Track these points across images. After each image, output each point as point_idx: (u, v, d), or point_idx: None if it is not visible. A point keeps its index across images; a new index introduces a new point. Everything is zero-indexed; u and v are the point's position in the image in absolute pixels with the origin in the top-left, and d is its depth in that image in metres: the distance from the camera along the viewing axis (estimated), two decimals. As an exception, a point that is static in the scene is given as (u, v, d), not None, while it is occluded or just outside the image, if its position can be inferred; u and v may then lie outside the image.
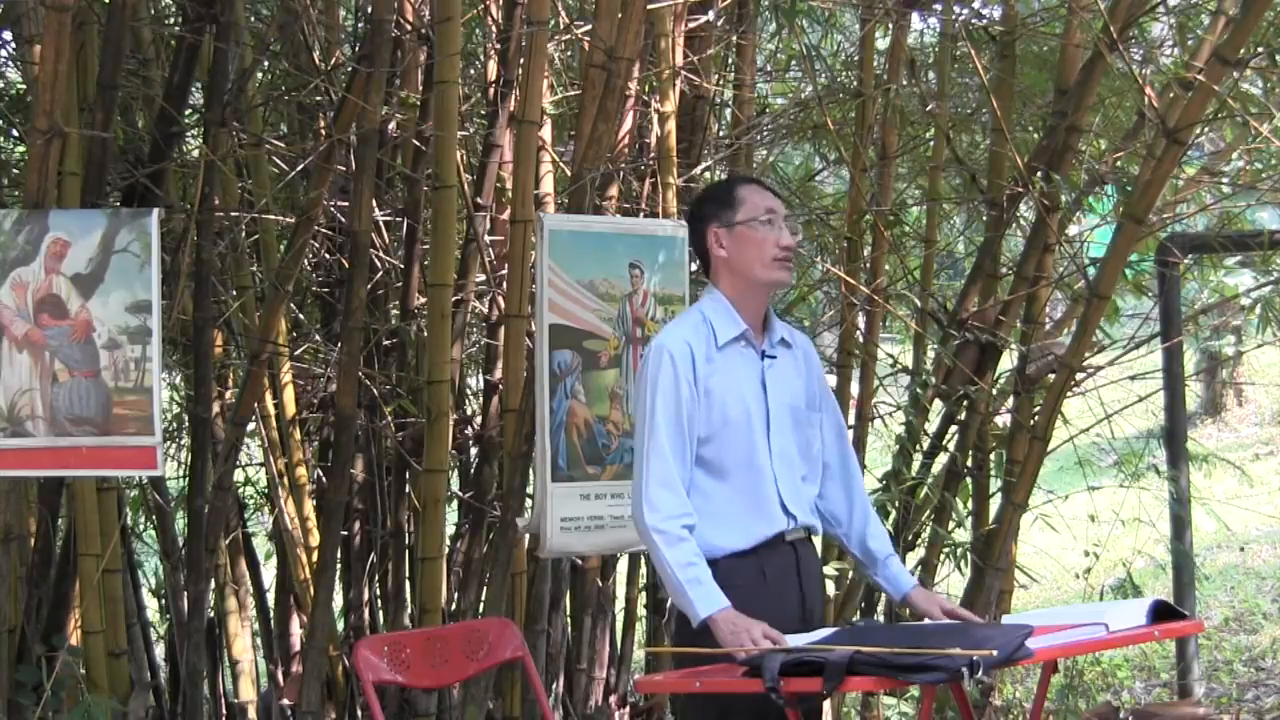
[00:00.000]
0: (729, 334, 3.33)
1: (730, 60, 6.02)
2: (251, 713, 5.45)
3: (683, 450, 3.24)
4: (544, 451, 4.12)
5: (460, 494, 5.30)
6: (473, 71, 5.86)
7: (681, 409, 3.25)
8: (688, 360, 3.27)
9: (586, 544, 4.30)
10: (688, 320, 3.41)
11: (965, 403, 5.35)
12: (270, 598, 5.76)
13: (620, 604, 5.69)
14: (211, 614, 5.28)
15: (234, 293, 5.32)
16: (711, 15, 5.60)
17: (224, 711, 5.52)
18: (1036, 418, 5.21)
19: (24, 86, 5.51)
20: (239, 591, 5.52)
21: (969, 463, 5.40)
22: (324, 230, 5.41)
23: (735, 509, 3.27)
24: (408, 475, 5.27)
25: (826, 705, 4.63)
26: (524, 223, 4.50)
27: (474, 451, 5.39)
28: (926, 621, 3.34)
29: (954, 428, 5.46)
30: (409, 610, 5.16)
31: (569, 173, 4.74)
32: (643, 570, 5.69)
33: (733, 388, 3.30)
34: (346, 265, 4.86)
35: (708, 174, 5.78)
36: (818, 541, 3.53)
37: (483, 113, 5.61)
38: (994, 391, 5.45)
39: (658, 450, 3.23)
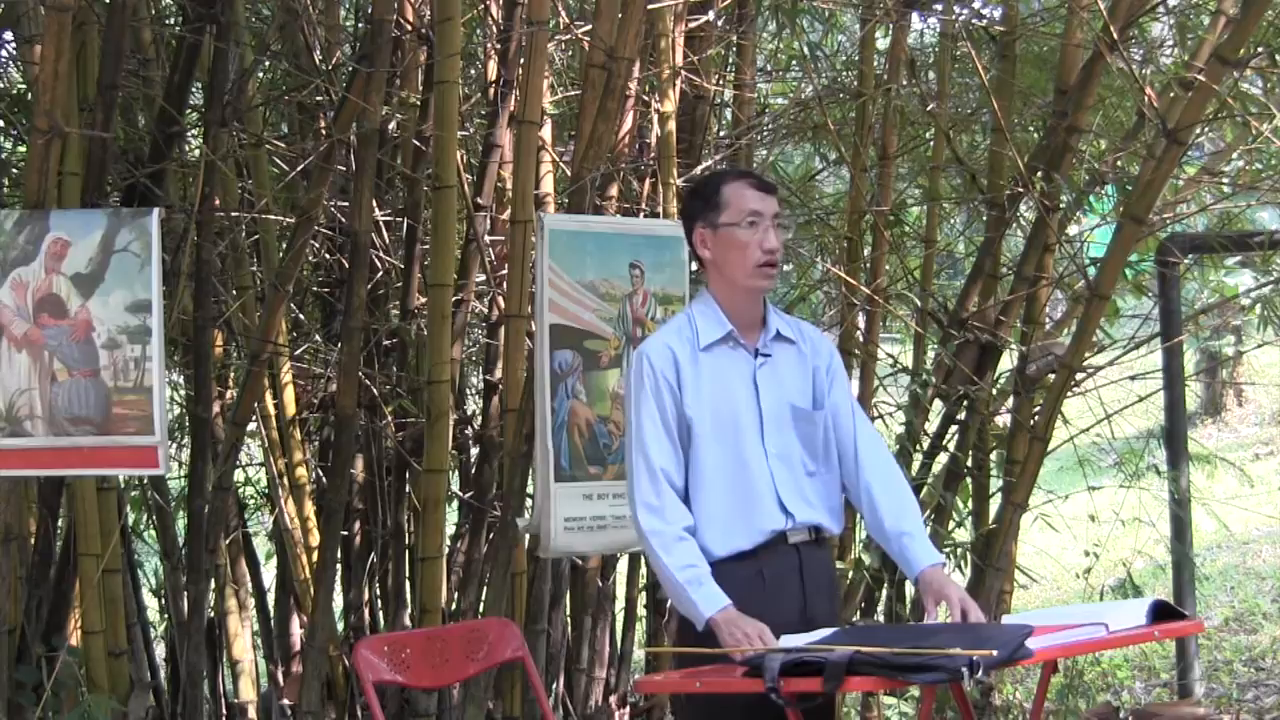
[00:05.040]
0: (713, 335, 3.30)
1: (730, 60, 6.02)
2: (251, 713, 5.45)
3: (672, 453, 3.23)
4: (546, 452, 4.12)
5: (460, 494, 5.30)
6: (473, 71, 5.87)
7: (666, 413, 3.23)
8: (670, 364, 3.25)
9: (589, 544, 4.31)
10: (673, 324, 3.39)
11: (965, 403, 5.35)
12: (270, 598, 5.76)
13: (620, 604, 5.68)
14: (211, 614, 5.27)
15: (234, 293, 5.32)
16: (711, 15, 5.60)
17: (224, 711, 5.52)
18: (1036, 418, 5.21)
19: (24, 86, 5.51)
20: (239, 591, 5.52)
21: (969, 463, 5.40)
22: (324, 230, 5.41)
23: (729, 511, 3.24)
24: (408, 475, 5.27)
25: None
26: (524, 223, 4.50)
27: (474, 451, 5.39)
28: (926, 622, 3.33)
29: (954, 428, 5.46)
30: (409, 610, 5.16)
31: (569, 173, 4.75)
32: (643, 570, 5.69)
33: (720, 389, 3.27)
34: (346, 265, 4.86)
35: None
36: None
37: (483, 113, 5.61)
38: (994, 391, 5.45)
39: (644, 459, 3.22)
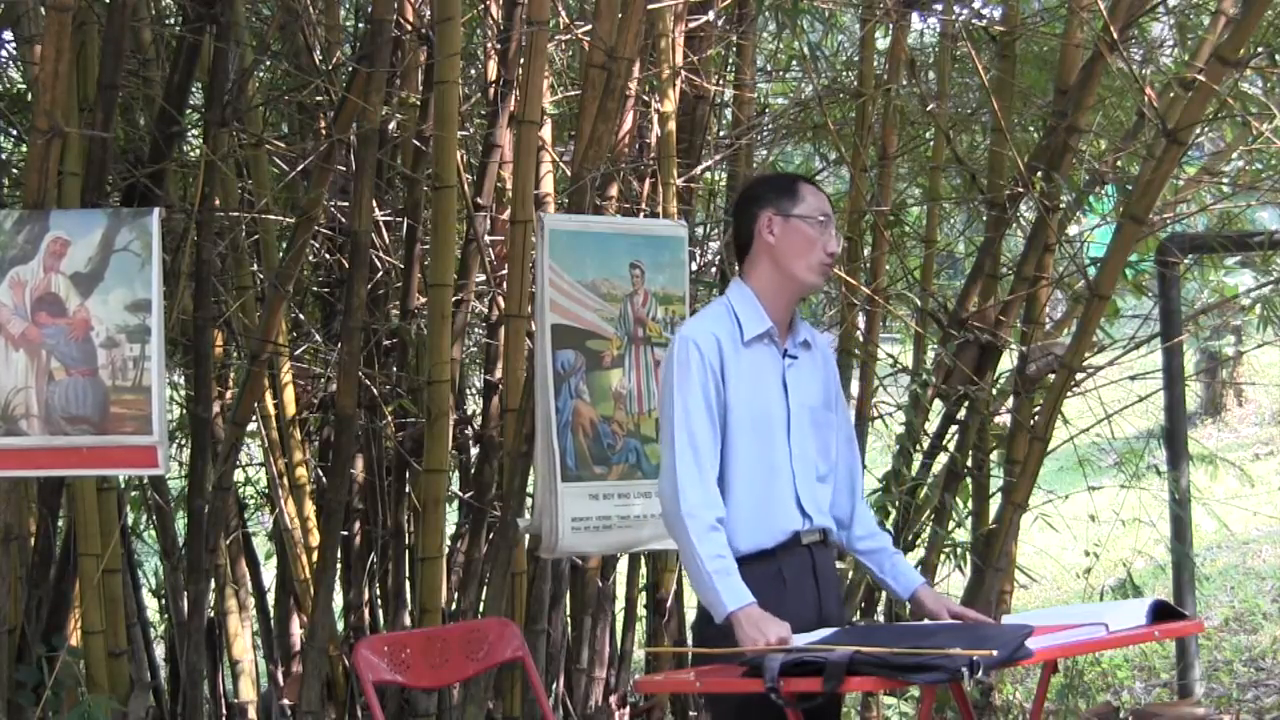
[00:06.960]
0: (755, 330, 3.28)
1: (730, 60, 6.02)
2: (251, 713, 5.45)
3: (713, 441, 3.20)
4: (550, 452, 4.11)
5: (460, 494, 5.30)
6: (473, 71, 5.87)
7: (710, 398, 3.20)
8: (715, 352, 3.23)
9: (596, 544, 4.29)
10: (711, 312, 3.35)
11: (965, 403, 5.35)
12: (270, 598, 5.76)
13: (620, 604, 5.68)
14: (211, 614, 5.27)
15: (234, 293, 5.32)
16: (711, 15, 5.60)
17: (224, 711, 5.52)
18: (1036, 418, 5.20)
19: (24, 86, 5.51)
20: (239, 591, 5.52)
21: (969, 463, 5.40)
22: (324, 230, 5.41)
23: (754, 509, 3.23)
24: (408, 475, 5.27)
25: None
26: (524, 223, 4.50)
27: (474, 451, 5.38)
28: (927, 621, 3.33)
29: (954, 428, 5.46)
30: (409, 610, 5.16)
31: (569, 173, 4.75)
32: (643, 570, 5.70)
33: (755, 386, 3.26)
34: (346, 265, 4.86)
35: (708, 174, 5.77)
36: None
37: (483, 113, 5.61)
38: (994, 391, 5.45)
39: (688, 441, 3.18)
